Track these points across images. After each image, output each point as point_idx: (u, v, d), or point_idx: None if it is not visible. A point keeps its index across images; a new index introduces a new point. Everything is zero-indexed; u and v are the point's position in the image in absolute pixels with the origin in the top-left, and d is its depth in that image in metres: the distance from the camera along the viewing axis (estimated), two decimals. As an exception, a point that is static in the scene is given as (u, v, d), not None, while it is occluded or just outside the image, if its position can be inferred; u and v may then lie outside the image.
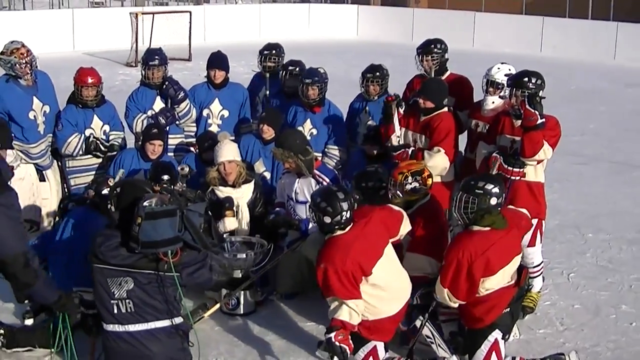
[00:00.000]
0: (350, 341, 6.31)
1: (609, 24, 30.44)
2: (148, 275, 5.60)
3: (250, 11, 35.41)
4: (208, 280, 5.85)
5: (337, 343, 6.20)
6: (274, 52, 9.98)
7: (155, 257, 5.53)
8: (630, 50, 28.79)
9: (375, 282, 6.41)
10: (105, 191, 7.00)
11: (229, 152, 8.20)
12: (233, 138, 9.25)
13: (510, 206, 7.32)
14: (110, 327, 5.74)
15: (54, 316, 6.41)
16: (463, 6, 34.33)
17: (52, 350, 6.55)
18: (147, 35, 25.88)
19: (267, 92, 9.79)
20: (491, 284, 6.43)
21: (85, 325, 6.52)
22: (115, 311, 5.67)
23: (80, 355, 6.39)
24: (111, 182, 7.05)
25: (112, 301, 5.66)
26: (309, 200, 7.74)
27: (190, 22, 27.04)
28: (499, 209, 6.57)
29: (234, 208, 8.08)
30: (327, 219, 6.37)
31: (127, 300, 5.65)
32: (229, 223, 7.97)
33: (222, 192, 8.16)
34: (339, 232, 6.43)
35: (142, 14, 26.31)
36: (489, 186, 6.52)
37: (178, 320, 5.82)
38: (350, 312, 6.27)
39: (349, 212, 6.42)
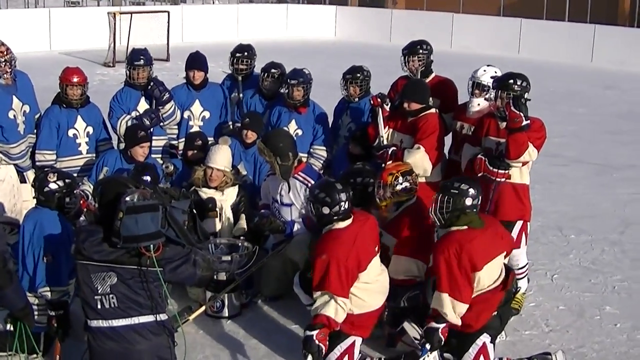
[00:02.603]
0: (327, 342, 6.31)
1: (586, 26, 30.64)
2: (131, 270, 5.56)
3: (228, 11, 35.37)
4: (192, 275, 5.76)
5: (316, 341, 6.20)
6: (246, 54, 9.84)
7: (138, 251, 5.49)
8: (608, 53, 28.99)
9: (366, 279, 6.47)
10: (52, 186, 6.88)
11: (221, 159, 8.17)
12: (212, 140, 9.23)
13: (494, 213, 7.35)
14: (94, 324, 5.68)
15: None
16: (441, 7, 34.42)
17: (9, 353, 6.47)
18: (125, 35, 25.73)
19: (241, 95, 9.67)
20: (478, 283, 6.41)
21: (51, 328, 6.49)
22: (99, 307, 5.61)
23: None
24: (52, 177, 6.91)
25: (95, 297, 5.60)
26: (294, 202, 7.76)
27: (168, 22, 27.01)
28: (475, 210, 6.57)
29: (217, 210, 8.05)
30: (326, 210, 6.46)
31: (110, 296, 5.59)
32: (211, 224, 7.94)
33: (206, 193, 8.12)
34: (338, 225, 6.49)
35: (120, 13, 26.14)
36: (464, 187, 6.54)
37: (163, 317, 5.75)
38: (337, 309, 6.28)
39: (347, 202, 6.50)
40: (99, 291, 5.59)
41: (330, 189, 6.53)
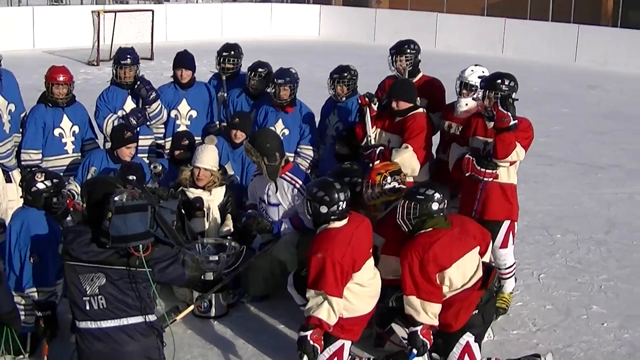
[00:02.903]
0: (322, 341, 6.30)
1: (570, 26, 30.71)
2: (120, 271, 5.55)
3: (212, 10, 35.30)
4: (181, 275, 5.76)
5: (311, 342, 6.19)
6: (232, 53, 9.82)
7: (127, 252, 5.48)
8: (591, 52, 29.11)
9: (359, 281, 6.46)
10: (39, 186, 6.84)
11: (208, 159, 8.14)
12: (199, 140, 9.17)
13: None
14: (82, 325, 5.66)
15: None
16: (425, 7, 34.45)
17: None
18: (109, 34, 25.65)
19: (225, 94, 9.63)
20: (450, 281, 6.44)
21: (39, 328, 6.48)
22: (87, 308, 5.60)
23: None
24: (39, 177, 6.86)
25: (84, 298, 5.59)
26: (281, 202, 7.74)
27: (152, 21, 26.95)
28: (442, 214, 6.60)
29: (204, 209, 8.03)
30: (324, 209, 6.45)
31: (99, 297, 5.58)
32: (198, 224, 7.94)
33: (193, 193, 8.10)
34: (334, 224, 6.48)
35: (104, 12, 26.02)
36: (430, 192, 6.57)
37: (152, 317, 5.75)
38: (329, 311, 6.27)
39: (344, 202, 6.50)
40: (88, 292, 5.57)
41: (329, 188, 6.52)
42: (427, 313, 6.36)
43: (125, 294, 5.60)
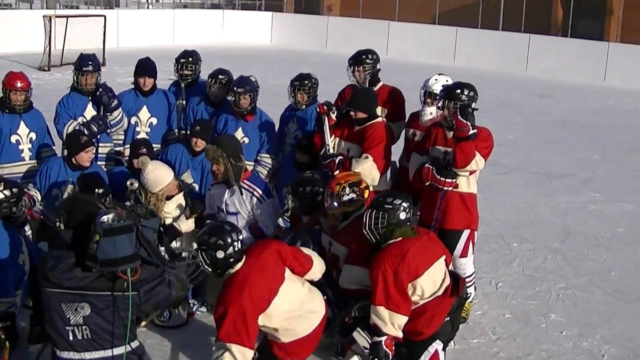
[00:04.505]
0: None
1: (520, 35, 31.05)
2: (105, 298, 5.24)
3: (164, 16, 35.22)
4: (167, 296, 5.49)
5: None
6: (190, 59, 9.76)
7: (113, 275, 5.19)
8: (542, 62, 29.46)
9: (281, 309, 6.12)
10: None
11: (157, 182, 8.00)
12: (158, 147, 9.19)
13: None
14: (65, 355, 5.35)
15: None
16: (377, 15, 34.61)
17: None
18: (60, 39, 25.39)
19: (184, 102, 9.57)
20: (422, 290, 6.41)
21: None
22: (71, 338, 5.29)
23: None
24: None
25: (67, 327, 5.27)
26: (240, 210, 7.71)
27: (104, 27, 26.69)
28: (408, 223, 6.60)
29: (178, 226, 8.01)
30: (220, 254, 5.97)
31: (83, 327, 5.28)
32: (187, 224, 8.04)
33: (166, 217, 8.06)
34: (236, 268, 6.06)
35: (56, 17, 25.79)
36: (398, 201, 6.55)
37: (135, 344, 5.47)
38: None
39: (239, 242, 6.08)
40: (71, 322, 5.28)
41: (220, 231, 6.09)
42: (394, 325, 6.33)
43: (110, 323, 5.30)
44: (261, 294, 5.96)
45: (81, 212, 5.36)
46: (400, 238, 6.46)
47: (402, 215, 6.52)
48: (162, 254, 6.12)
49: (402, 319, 6.35)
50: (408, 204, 6.59)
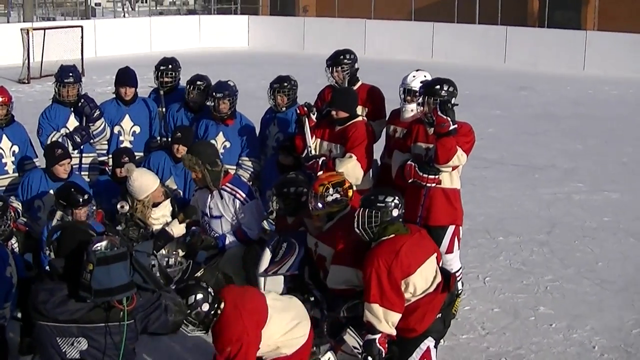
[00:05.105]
0: None
1: (497, 28, 31.12)
2: (102, 329, 5.06)
3: (141, 24, 35.20)
4: (164, 323, 5.29)
5: None
6: (170, 67, 9.75)
7: (108, 305, 5.00)
8: (520, 54, 29.59)
9: (275, 329, 6.11)
10: None
11: (142, 188, 8.01)
12: (140, 155, 9.17)
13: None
14: None
15: None
16: (353, 14, 34.65)
17: None
18: (39, 51, 25.37)
19: (163, 109, 9.57)
20: (414, 287, 6.38)
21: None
22: None
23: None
24: None
25: None
26: (223, 214, 7.70)
27: (82, 37, 26.58)
28: (400, 219, 6.57)
29: (171, 232, 7.97)
30: (206, 307, 5.87)
31: None
32: (179, 229, 7.97)
33: (154, 223, 8.07)
34: (220, 310, 5.96)
35: (33, 29, 25.70)
36: (390, 199, 6.50)
37: None
38: None
39: (210, 288, 6.00)
40: (67, 356, 5.11)
41: (190, 288, 5.97)
42: (388, 322, 6.29)
43: (108, 355, 5.13)
44: (259, 319, 5.97)
45: (72, 240, 5.17)
46: (392, 235, 6.42)
47: (395, 213, 6.47)
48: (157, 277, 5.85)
49: (396, 317, 6.32)
50: (399, 200, 6.55)
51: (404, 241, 6.39)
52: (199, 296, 5.85)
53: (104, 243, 4.97)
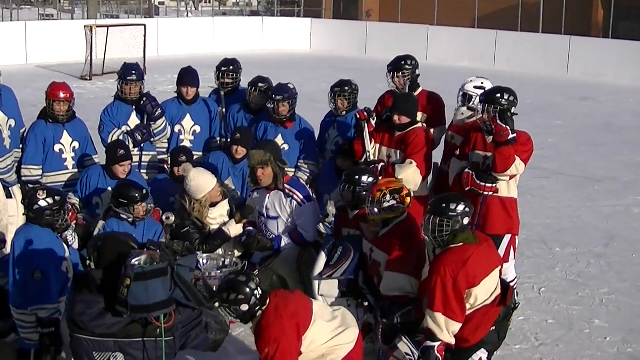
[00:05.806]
0: None
1: (561, 37, 30.81)
2: (139, 345, 5.06)
3: (204, 24, 35.44)
4: (204, 340, 5.33)
5: None
6: (231, 68, 9.79)
7: (146, 321, 5.01)
8: (583, 64, 29.23)
9: (323, 338, 6.01)
10: (41, 204, 6.64)
11: (199, 188, 8.07)
12: (199, 155, 9.28)
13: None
14: None
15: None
16: (416, 20, 34.56)
17: None
18: (101, 49, 25.68)
19: (223, 110, 9.58)
20: (475, 298, 6.35)
21: (43, 345, 6.34)
22: None
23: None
24: (41, 195, 6.73)
25: None
26: (280, 215, 7.75)
27: (145, 35, 26.86)
28: (469, 227, 6.52)
29: (228, 231, 8.08)
30: (245, 307, 5.75)
31: None
32: (236, 229, 8.06)
33: (211, 223, 8.14)
34: (263, 311, 5.86)
35: (97, 26, 26.02)
36: (461, 207, 6.39)
37: None
38: None
39: (257, 288, 5.85)
40: None
41: (237, 285, 5.82)
42: (449, 331, 6.26)
43: None
44: (301, 325, 5.87)
45: (112, 252, 5.22)
46: (461, 243, 6.36)
47: (465, 221, 6.39)
48: (199, 293, 5.69)
49: (457, 326, 6.29)
50: (469, 207, 6.49)
51: (472, 251, 6.32)
52: (241, 297, 5.73)
53: (143, 257, 4.97)
